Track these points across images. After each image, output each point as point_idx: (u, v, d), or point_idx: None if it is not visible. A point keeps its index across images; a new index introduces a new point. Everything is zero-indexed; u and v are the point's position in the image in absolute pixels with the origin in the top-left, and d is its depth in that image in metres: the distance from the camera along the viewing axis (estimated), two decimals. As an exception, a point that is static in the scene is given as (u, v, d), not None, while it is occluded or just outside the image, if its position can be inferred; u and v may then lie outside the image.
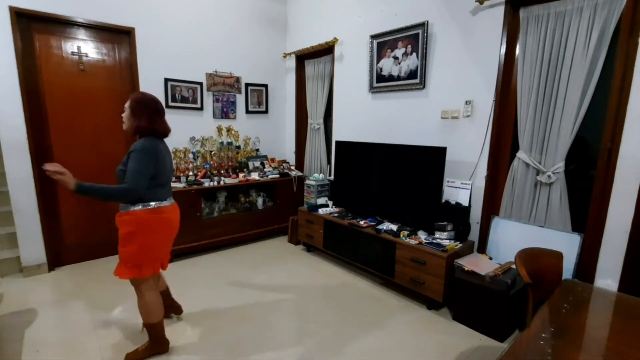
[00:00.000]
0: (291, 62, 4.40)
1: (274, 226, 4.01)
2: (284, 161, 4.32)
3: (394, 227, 2.82)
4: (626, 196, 1.98)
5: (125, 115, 1.83)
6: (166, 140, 1.95)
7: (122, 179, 1.74)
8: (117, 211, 1.82)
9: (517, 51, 2.43)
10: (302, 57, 4.31)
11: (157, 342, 1.98)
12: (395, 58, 3.09)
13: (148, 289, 1.90)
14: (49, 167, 1.63)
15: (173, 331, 2.22)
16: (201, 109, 3.82)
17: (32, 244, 2.96)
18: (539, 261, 1.70)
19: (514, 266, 2.22)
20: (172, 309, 2.32)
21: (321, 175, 3.83)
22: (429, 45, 2.85)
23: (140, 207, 1.76)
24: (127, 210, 1.77)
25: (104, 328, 2.26)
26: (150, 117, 1.80)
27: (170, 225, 1.91)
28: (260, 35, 4.20)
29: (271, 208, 3.99)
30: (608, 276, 2.08)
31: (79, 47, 3.08)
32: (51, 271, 3.08)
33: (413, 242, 2.58)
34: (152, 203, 1.79)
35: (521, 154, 2.42)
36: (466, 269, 2.28)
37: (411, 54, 2.95)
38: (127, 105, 1.82)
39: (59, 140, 3.06)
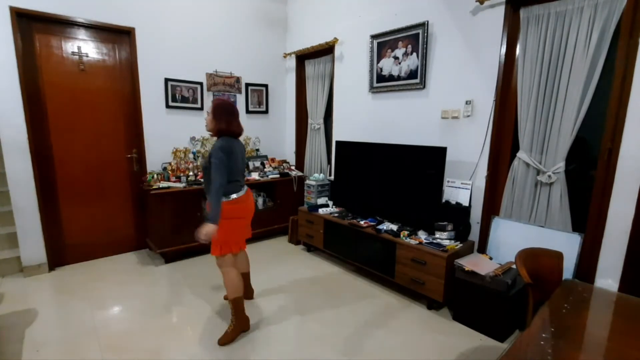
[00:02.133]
0: (291, 62, 4.40)
1: (274, 226, 4.01)
2: (284, 161, 4.32)
3: (394, 227, 2.82)
4: (626, 196, 1.98)
5: (208, 119, 2.15)
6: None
7: (205, 170, 2.12)
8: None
9: (518, 51, 2.43)
10: (302, 57, 4.31)
11: (241, 318, 2.22)
12: (396, 58, 3.09)
13: (231, 266, 2.21)
14: (203, 238, 1.97)
15: (171, 331, 2.21)
16: (201, 109, 3.82)
17: (32, 243, 2.96)
18: (539, 261, 1.70)
19: (514, 266, 2.22)
20: (249, 292, 2.61)
21: (321, 175, 3.83)
22: (429, 45, 2.85)
23: (224, 199, 2.09)
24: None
25: (104, 328, 2.26)
26: (228, 120, 2.12)
27: (248, 210, 2.26)
28: (260, 35, 4.20)
29: (271, 208, 3.99)
30: (608, 276, 2.08)
31: (79, 47, 3.08)
32: (51, 271, 3.08)
33: (413, 242, 2.58)
34: (233, 195, 2.13)
35: (521, 154, 2.42)
36: (466, 269, 2.28)
37: (411, 54, 2.95)
38: (209, 110, 2.15)
39: (59, 140, 3.07)
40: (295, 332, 2.28)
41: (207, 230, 1.94)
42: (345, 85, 3.68)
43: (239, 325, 2.20)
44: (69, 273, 3.08)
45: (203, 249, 3.49)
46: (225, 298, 2.41)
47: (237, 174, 2.15)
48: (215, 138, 2.18)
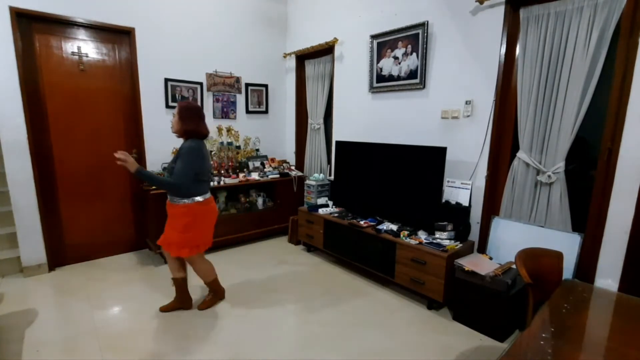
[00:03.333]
0: (291, 62, 4.40)
1: (274, 226, 4.01)
2: (284, 161, 4.32)
3: (394, 227, 2.82)
4: (626, 196, 1.98)
5: (174, 120, 2.19)
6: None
7: (170, 173, 2.17)
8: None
9: (517, 51, 2.43)
10: (302, 57, 4.31)
11: (217, 291, 2.56)
12: (396, 58, 3.09)
13: (200, 260, 2.41)
14: (119, 154, 1.99)
15: (172, 332, 2.22)
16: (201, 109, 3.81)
17: (32, 244, 2.96)
18: (539, 261, 1.70)
19: (514, 266, 2.22)
20: (187, 300, 2.62)
21: (321, 175, 3.83)
22: (429, 45, 2.85)
23: (193, 200, 2.19)
24: (182, 203, 2.18)
25: (104, 328, 2.26)
26: (195, 121, 2.18)
27: (214, 212, 2.38)
28: (260, 35, 4.20)
29: (271, 208, 3.99)
30: (608, 276, 2.08)
31: (79, 47, 3.08)
32: (51, 271, 3.08)
33: (413, 242, 2.58)
34: (200, 197, 2.22)
35: (521, 154, 2.42)
36: (466, 269, 2.28)
37: (411, 54, 2.95)
38: (175, 112, 2.19)
39: (59, 140, 3.07)
40: (295, 332, 2.28)
41: (128, 164, 2.00)
42: (345, 85, 3.68)
43: (216, 297, 2.56)
44: (69, 273, 3.08)
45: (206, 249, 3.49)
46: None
47: (204, 176, 2.23)
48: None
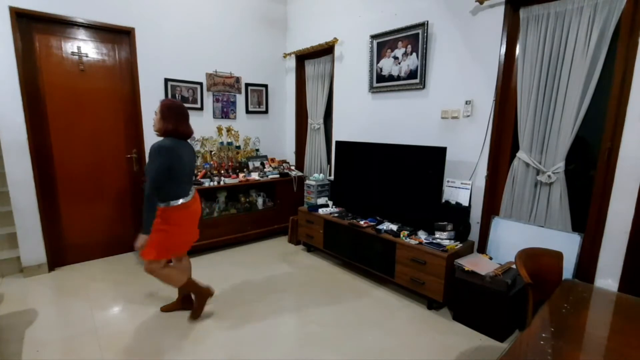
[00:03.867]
0: (291, 62, 4.40)
1: (274, 226, 4.01)
2: (284, 161, 4.32)
3: (394, 227, 2.82)
4: (626, 196, 1.98)
5: (155, 119, 2.09)
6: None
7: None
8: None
9: (517, 51, 2.43)
10: (302, 57, 4.31)
11: (200, 292, 2.34)
12: (395, 58, 3.09)
13: (160, 268, 2.17)
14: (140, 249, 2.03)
15: (172, 332, 2.22)
16: (201, 109, 3.82)
17: (32, 244, 2.96)
18: (539, 261, 1.70)
19: (514, 266, 2.22)
20: (189, 301, 2.47)
21: (321, 175, 3.83)
22: (429, 45, 2.85)
23: (169, 204, 2.05)
24: (161, 207, 2.05)
25: (104, 328, 2.26)
26: (177, 120, 2.07)
27: (195, 214, 2.23)
28: (260, 35, 4.20)
29: (271, 208, 3.99)
30: (608, 276, 2.08)
31: (79, 47, 3.08)
32: (51, 271, 3.08)
33: (413, 242, 2.58)
34: (180, 200, 2.08)
35: (521, 154, 2.42)
36: (466, 269, 2.28)
37: (411, 54, 2.95)
38: (157, 110, 2.08)
39: (59, 140, 3.07)
40: (295, 332, 2.28)
41: (140, 242, 2.01)
42: (345, 85, 3.68)
43: (202, 298, 2.35)
44: (69, 273, 3.08)
45: (203, 249, 3.50)
46: (164, 309, 2.42)
47: (182, 177, 2.09)
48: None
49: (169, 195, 2.05)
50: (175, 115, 2.08)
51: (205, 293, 2.37)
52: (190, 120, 2.19)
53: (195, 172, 3.54)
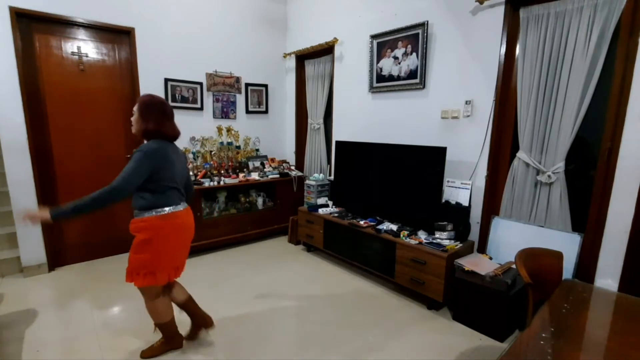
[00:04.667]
0: (291, 62, 4.40)
1: (274, 226, 4.01)
2: (284, 161, 4.32)
3: (394, 227, 2.82)
4: (626, 196, 1.98)
5: (134, 118, 1.80)
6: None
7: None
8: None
9: (517, 51, 2.43)
10: (302, 57, 4.31)
11: (171, 338, 2.01)
12: (395, 58, 3.09)
13: (158, 296, 1.87)
14: (24, 218, 1.63)
15: (173, 331, 2.22)
16: (201, 109, 3.82)
17: (32, 244, 2.96)
18: (539, 261, 1.70)
19: (514, 266, 2.22)
20: (200, 320, 2.10)
21: (321, 175, 3.83)
22: (429, 45, 2.85)
23: (154, 213, 1.73)
24: (142, 217, 1.74)
25: (104, 328, 2.26)
26: (158, 120, 1.77)
27: (185, 230, 1.86)
28: (260, 35, 4.20)
29: (271, 208, 3.99)
30: (608, 276, 2.08)
31: (79, 47, 3.08)
32: (51, 271, 3.08)
33: (413, 242, 2.58)
34: (167, 208, 1.76)
35: (521, 154, 2.42)
36: (466, 268, 2.28)
37: (411, 54, 2.95)
38: (135, 108, 1.79)
39: (59, 140, 3.07)
40: (294, 332, 2.28)
41: (41, 214, 1.57)
42: (345, 85, 3.68)
43: (168, 344, 1.99)
44: (68, 273, 3.08)
45: (203, 249, 3.50)
46: (143, 356, 1.97)
47: (171, 182, 1.78)
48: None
49: (156, 204, 1.73)
50: (156, 113, 1.77)
51: (177, 342, 2.03)
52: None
53: (196, 172, 3.55)
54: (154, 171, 1.69)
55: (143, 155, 1.67)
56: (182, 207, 1.85)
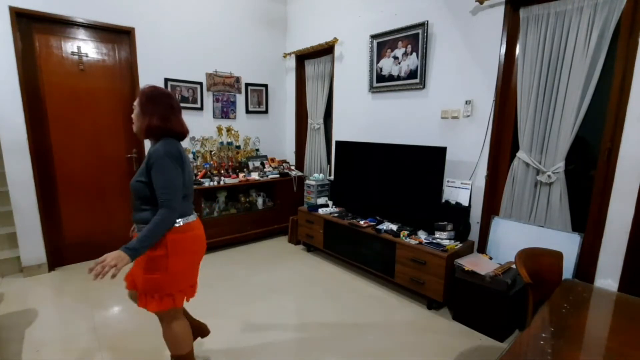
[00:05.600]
0: (291, 62, 4.40)
1: (274, 226, 4.01)
2: (284, 161, 4.32)
3: (394, 227, 2.82)
4: (626, 196, 1.98)
5: (134, 114, 1.52)
6: None
7: (140, 192, 1.46)
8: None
9: (517, 51, 2.43)
10: (302, 57, 4.31)
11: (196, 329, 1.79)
12: (395, 58, 3.09)
13: (176, 318, 1.61)
14: (94, 273, 1.29)
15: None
16: (201, 109, 3.82)
17: (32, 244, 2.96)
18: (539, 261, 1.70)
19: (514, 266, 2.22)
20: (197, 330, 1.92)
21: (321, 175, 3.83)
22: (429, 45, 2.85)
23: (175, 224, 1.48)
24: None
25: (104, 328, 2.26)
26: (163, 114, 1.48)
27: (202, 243, 1.62)
28: (260, 35, 4.20)
29: (271, 208, 3.99)
30: (608, 276, 2.08)
31: (79, 47, 3.08)
32: (51, 271, 3.08)
33: (413, 242, 2.58)
34: (180, 220, 1.48)
35: (521, 154, 2.42)
36: (466, 268, 2.28)
37: (411, 54, 2.95)
38: (136, 102, 1.51)
39: (59, 140, 3.06)
40: (294, 332, 2.28)
41: (118, 260, 1.29)
42: (345, 85, 3.68)
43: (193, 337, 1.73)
44: (69, 273, 3.08)
45: (206, 249, 3.49)
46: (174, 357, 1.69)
47: (186, 191, 1.54)
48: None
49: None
50: (161, 107, 1.49)
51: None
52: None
53: (196, 172, 3.55)
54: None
55: (172, 162, 1.42)
56: (194, 217, 1.59)
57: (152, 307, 1.50)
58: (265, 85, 4.33)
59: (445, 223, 2.58)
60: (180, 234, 1.49)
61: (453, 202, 2.66)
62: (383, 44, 3.17)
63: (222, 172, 3.78)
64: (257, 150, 4.28)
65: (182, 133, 1.57)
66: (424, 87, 2.92)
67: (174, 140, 1.52)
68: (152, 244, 1.39)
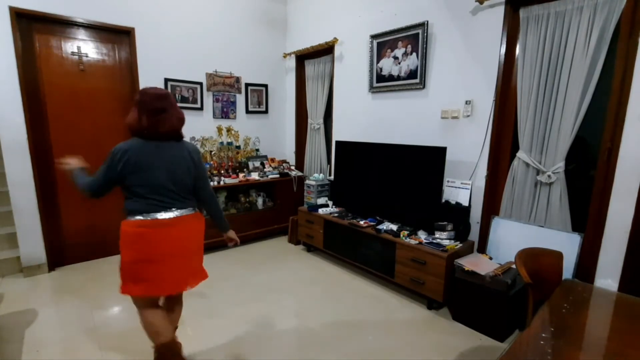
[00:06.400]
0: (291, 62, 4.40)
1: (274, 226, 4.01)
2: (284, 161, 4.32)
3: (394, 227, 2.82)
4: (626, 196, 1.98)
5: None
6: None
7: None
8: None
9: (517, 51, 2.43)
10: (302, 57, 4.31)
11: None
12: (395, 58, 3.09)
13: (142, 306, 1.68)
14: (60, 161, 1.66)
15: (173, 331, 2.21)
16: (201, 109, 3.82)
17: (32, 244, 2.96)
18: (539, 261, 1.70)
19: (514, 266, 2.22)
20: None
21: (321, 175, 3.83)
22: (429, 45, 2.85)
23: (128, 218, 1.59)
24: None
25: (104, 328, 2.26)
26: (140, 114, 1.56)
27: (143, 242, 1.57)
28: (260, 35, 4.20)
29: (271, 208, 3.99)
30: (608, 276, 2.08)
31: (79, 47, 3.08)
32: (51, 271, 3.08)
33: (413, 242, 2.58)
34: (139, 216, 1.57)
35: (521, 154, 2.42)
36: (466, 268, 2.28)
37: (411, 54, 2.95)
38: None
39: (59, 140, 3.06)
40: (294, 332, 2.28)
41: (70, 166, 1.64)
42: (345, 85, 3.68)
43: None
44: (68, 273, 3.08)
45: (206, 249, 3.49)
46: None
47: (147, 187, 1.57)
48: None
49: (126, 209, 1.60)
50: (140, 108, 1.56)
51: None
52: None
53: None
54: (116, 179, 1.57)
55: (108, 157, 1.57)
56: (166, 214, 1.60)
57: (124, 289, 1.62)
58: (265, 85, 4.33)
59: (445, 223, 2.58)
60: (130, 228, 1.57)
61: (453, 202, 2.66)
62: (383, 44, 3.17)
63: (222, 172, 3.78)
64: (257, 150, 4.28)
65: (152, 133, 1.58)
66: (424, 87, 2.92)
67: (140, 139, 1.58)
68: (74, 181, 1.63)
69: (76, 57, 3.07)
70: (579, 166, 2.31)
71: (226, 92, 4.00)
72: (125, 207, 1.60)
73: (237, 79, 4.07)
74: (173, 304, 1.84)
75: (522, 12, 2.36)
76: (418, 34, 2.87)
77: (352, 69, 3.56)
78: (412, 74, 2.97)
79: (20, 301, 2.57)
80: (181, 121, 1.68)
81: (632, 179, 1.96)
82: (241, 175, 3.76)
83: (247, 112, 4.23)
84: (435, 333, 2.25)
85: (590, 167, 2.26)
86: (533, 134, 2.37)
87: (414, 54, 2.93)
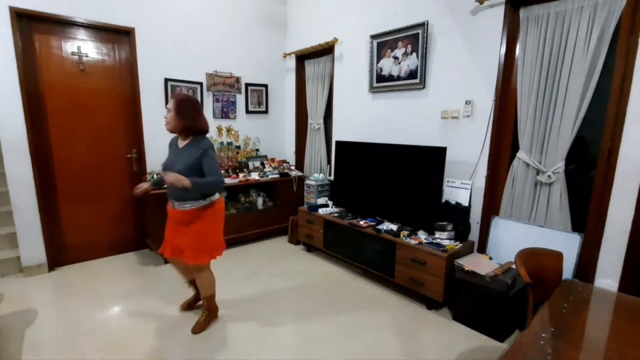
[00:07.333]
0: (291, 62, 4.40)
1: (274, 226, 4.01)
2: (284, 161, 4.32)
3: (394, 227, 2.82)
4: (626, 196, 1.98)
5: (170, 116, 2.00)
6: (167, 139, 2.14)
7: (195, 174, 1.97)
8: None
9: (517, 51, 2.43)
10: (302, 57, 4.31)
11: (213, 310, 2.32)
12: (395, 58, 3.09)
13: (208, 268, 2.23)
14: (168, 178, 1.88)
15: (172, 332, 2.21)
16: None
17: (32, 244, 2.96)
18: (539, 261, 1.70)
19: (514, 266, 2.22)
20: (199, 294, 2.43)
21: (321, 175, 3.83)
22: (429, 45, 2.85)
23: (212, 200, 2.08)
24: (199, 206, 2.03)
25: (104, 328, 2.26)
26: (194, 115, 2.02)
27: (223, 211, 2.25)
28: (260, 35, 4.20)
29: (271, 208, 3.98)
30: (608, 276, 2.08)
31: (79, 47, 3.08)
32: (51, 271, 3.08)
33: (413, 242, 2.58)
34: (217, 195, 2.13)
35: (521, 154, 2.42)
36: (466, 269, 2.28)
37: (411, 54, 2.95)
38: (170, 106, 1.99)
39: (59, 140, 3.06)
40: (294, 332, 2.28)
41: (179, 179, 1.83)
42: (345, 85, 3.68)
43: (211, 315, 2.32)
44: (68, 273, 3.08)
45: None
46: (194, 331, 2.21)
47: None
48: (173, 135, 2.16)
49: (211, 192, 2.09)
50: (192, 110, 2.03)
51: (215, 312, 2.36)
52: None
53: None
54: None
55: (214, 151, 2.05)
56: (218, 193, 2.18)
57: (205, 260, 2.12)
58: (265, 85, 4.33)
59: (445, 223, 2.58)
60: (220, 205, 2.15)
61: (453, 202, 2.66)
62: (383, 44, 3.17)
63: (222, 172, 3.77)
64: (257, 150, 4.28)
65: (206, 130, 2.09)
66: (424, 87, 2.92)
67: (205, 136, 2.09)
68: (203, 188, 1.95)
69: (76, 57, 3.07)
70: (579, 166, 2.31)
71: (226, 92, 4.00)
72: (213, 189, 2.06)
73: (237, 79, 4.06)
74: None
75: (522, 12, 2.36)
76: (418, 34, 2.87)
77: (352, 69, 3.56)
78: (412, 74, 2.97)
79: (20, 301, 2.57)
80: None
81: (632, 179, 1.96)
82: (241, 175, 3.76)
83: (247, 112, 4.23)
84: (435, 333, 2.25)
85: (590, 167, 2.25)
86: (533, 134, 2.37)
87: (414, 54, 2.93)
